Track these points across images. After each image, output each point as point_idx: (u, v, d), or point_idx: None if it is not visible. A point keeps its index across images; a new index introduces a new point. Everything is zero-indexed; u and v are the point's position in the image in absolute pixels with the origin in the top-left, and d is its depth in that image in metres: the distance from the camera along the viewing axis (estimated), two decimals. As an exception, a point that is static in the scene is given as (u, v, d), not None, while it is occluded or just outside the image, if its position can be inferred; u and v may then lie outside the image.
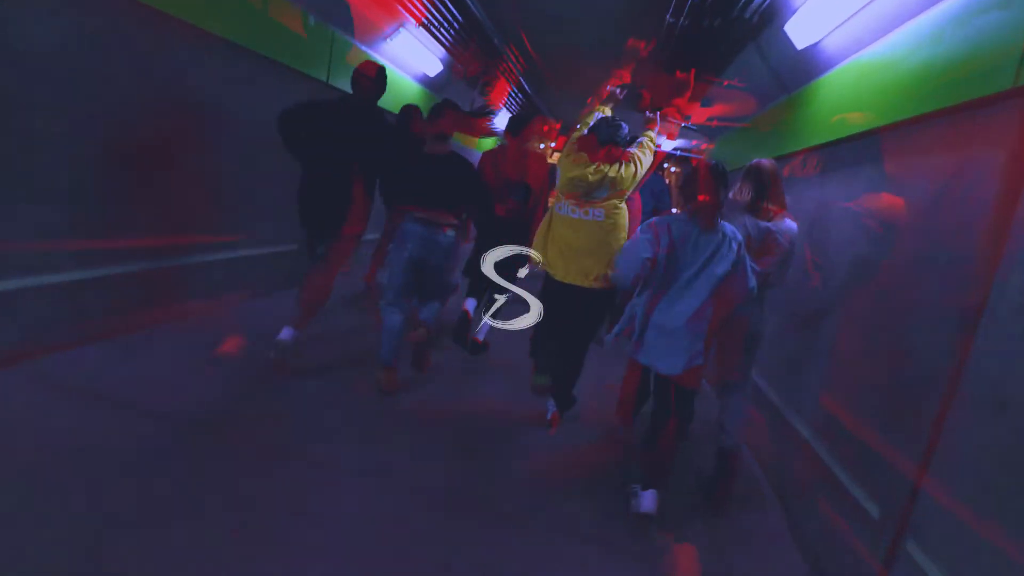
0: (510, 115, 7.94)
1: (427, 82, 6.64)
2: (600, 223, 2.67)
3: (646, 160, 2.73)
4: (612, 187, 2.65)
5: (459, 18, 5.28)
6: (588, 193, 2.67)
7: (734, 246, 2.27)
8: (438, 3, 4.89)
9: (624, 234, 2.71)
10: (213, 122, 3.56)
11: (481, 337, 3.79)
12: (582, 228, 2.69)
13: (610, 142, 2.66)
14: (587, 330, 2.90)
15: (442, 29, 5.50)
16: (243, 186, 3.97)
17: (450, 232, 3.04)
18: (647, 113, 2.91)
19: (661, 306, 2.31)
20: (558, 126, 11.48)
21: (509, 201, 3.54)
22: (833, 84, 3.22)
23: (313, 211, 3.10)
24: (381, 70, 3.13)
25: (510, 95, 8.86)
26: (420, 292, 3.16)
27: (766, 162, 2.58)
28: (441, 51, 6.08)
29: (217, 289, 3.86)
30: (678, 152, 12.23)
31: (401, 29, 5.14)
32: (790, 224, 2.52)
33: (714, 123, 7.18)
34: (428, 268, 3.03)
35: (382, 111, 3.33)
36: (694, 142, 11.80)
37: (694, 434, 3.02)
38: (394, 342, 3.02)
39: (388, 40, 5.19)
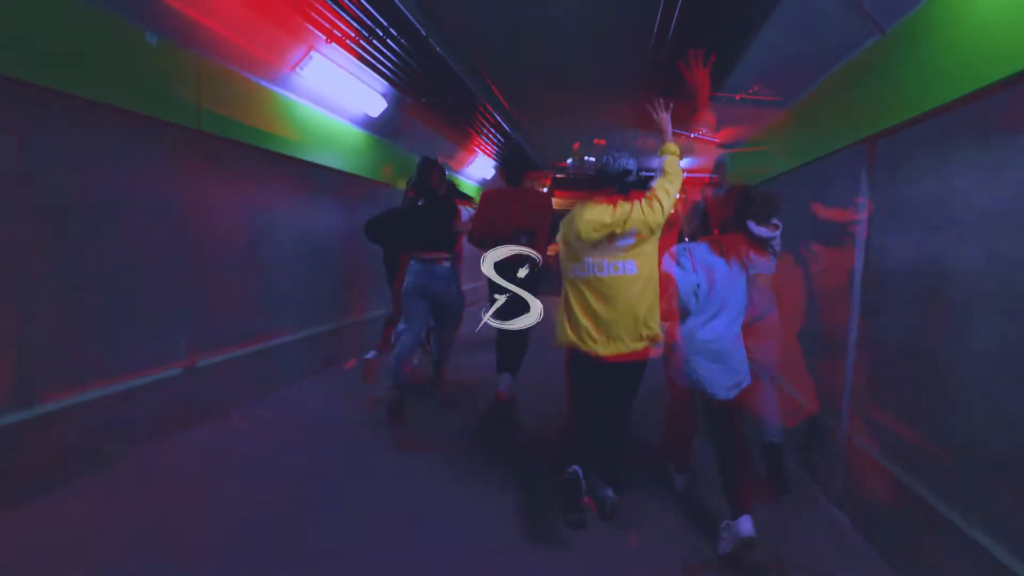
0: (500, 160, 7.00)
1: (372, 125, 5.28)
2: (634, 278, 2.31)
3: (673, 189, 2.37)
4: (639, 231, 2.31)
5: (395, 35, 3.96)
6: (612, 243, 2.32)
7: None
8: (363, 15, 3.57)
9: (656, 285, 2.38)
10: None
11: (504, 391, 3.65)
12: (615, 288, 2.31)
13: (625, 186, 2.39)
14: (630, 396, 2.57)
15: (377, 53, 4.18)
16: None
17: (445, 263, 3.59)
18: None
19: (706, 330, 2.40)
20: (548, 181, 11.86)
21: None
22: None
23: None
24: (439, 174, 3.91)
25: (489, 137, 7.53)
26: (433, 319, 3.72)
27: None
28: (382, 84, 4.75)
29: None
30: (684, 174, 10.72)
31: (313, 54, 3.80)
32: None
33: (719, 148, 5.80)
34: (432, 294, 3.53)
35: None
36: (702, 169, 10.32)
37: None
38: (398, 365, 3.51)
39: (299, 71, 3.85)
